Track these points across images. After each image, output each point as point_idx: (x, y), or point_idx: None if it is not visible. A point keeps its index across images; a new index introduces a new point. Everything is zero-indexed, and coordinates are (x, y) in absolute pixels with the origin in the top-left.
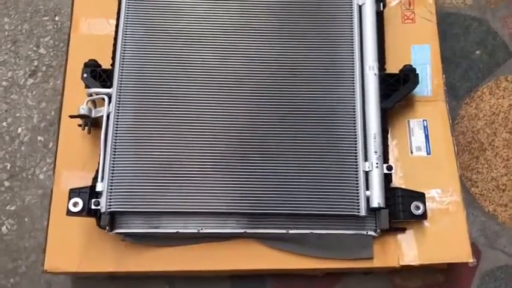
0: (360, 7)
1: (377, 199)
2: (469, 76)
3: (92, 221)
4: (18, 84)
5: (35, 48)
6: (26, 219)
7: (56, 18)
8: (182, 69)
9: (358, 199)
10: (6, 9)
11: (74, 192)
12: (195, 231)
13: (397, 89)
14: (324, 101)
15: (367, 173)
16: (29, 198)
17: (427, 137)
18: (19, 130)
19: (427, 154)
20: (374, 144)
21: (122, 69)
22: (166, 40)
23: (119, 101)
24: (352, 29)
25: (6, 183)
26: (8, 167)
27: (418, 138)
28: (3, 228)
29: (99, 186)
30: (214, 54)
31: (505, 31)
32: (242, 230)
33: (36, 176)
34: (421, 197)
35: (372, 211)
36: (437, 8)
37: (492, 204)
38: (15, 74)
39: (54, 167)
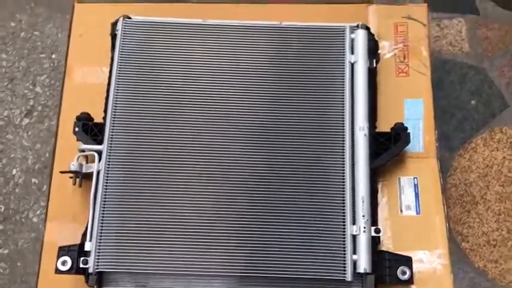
0: (352, 65)
1: (363, 264)
2: (463, 127)
3: None
4: (14, 124)
5: (31, 87)
6: (18, 264)
7: (53, 56)
8: (171, 129)
9: (344, 263)
10: (4, 44)
11: (63, 251)
12: None
13: (388, 147)
14: (312, 163)
15: (354, 237)
16: (22, 241)
17: (417, 195)
18: (14, 171)
19: (417, 213)
20: (362, 208)
21: (113, 125)
22: (156, 98)
23: (109, 158)
24: (343, 88)
25: (0, 226)
26: (2, 210)
27: (408, 196)
28: None
29: (88, 246)
30: (208, 114)
31: (501, 80)
32: None
33: (29, 220)
34: (408, 261)
35: (358, 275)
36: (434, 54)
37: (482, 260)
38: (11, 113)
39: (46, 217)
